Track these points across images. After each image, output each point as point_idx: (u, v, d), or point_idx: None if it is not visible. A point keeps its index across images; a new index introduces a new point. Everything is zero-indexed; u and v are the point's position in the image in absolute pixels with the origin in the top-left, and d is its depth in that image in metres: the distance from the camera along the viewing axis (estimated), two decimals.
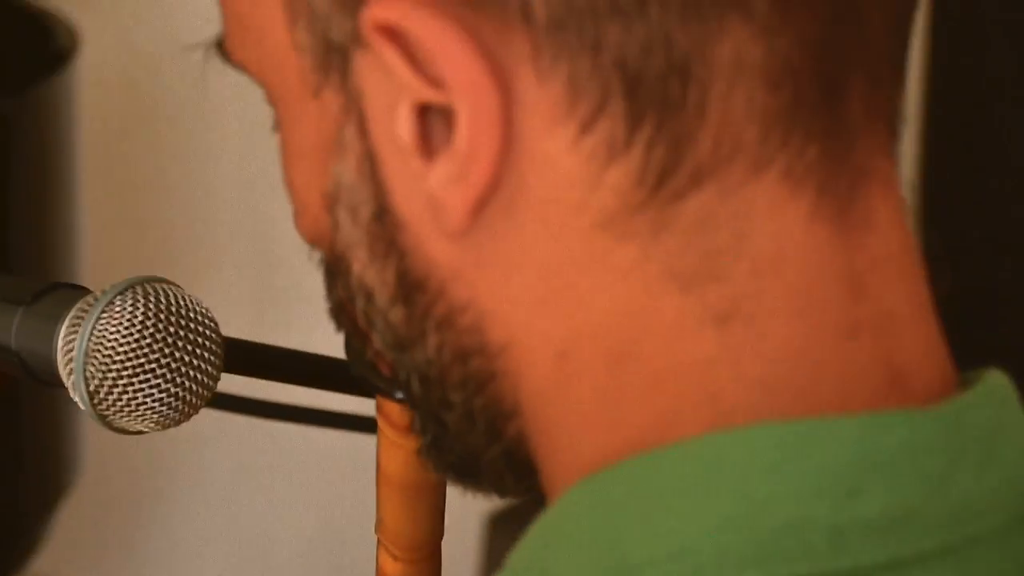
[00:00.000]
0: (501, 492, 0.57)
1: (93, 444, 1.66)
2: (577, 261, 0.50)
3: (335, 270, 0.56)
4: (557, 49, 0.47)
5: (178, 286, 0.70)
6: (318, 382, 0.78)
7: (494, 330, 0.52)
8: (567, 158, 0.48)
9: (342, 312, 0.58)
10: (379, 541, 0.72)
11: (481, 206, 0.49)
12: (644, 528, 0.48)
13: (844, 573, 0.47)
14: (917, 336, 0.51)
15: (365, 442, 0.81)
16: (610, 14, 0.46)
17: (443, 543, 0.75)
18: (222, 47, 0.56)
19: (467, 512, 0.84)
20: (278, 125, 0.56)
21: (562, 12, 0.46)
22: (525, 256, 0.50)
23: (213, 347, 0.71)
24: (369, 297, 0.54)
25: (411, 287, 0.53)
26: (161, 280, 0.70)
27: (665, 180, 0.48)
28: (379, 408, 0.69)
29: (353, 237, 0.54)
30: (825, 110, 0.48)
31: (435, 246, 0.51)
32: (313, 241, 0.58)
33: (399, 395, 0.62)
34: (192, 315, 0.71)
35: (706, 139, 0.47)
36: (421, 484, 0.70)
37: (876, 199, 0.50)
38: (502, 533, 2.17)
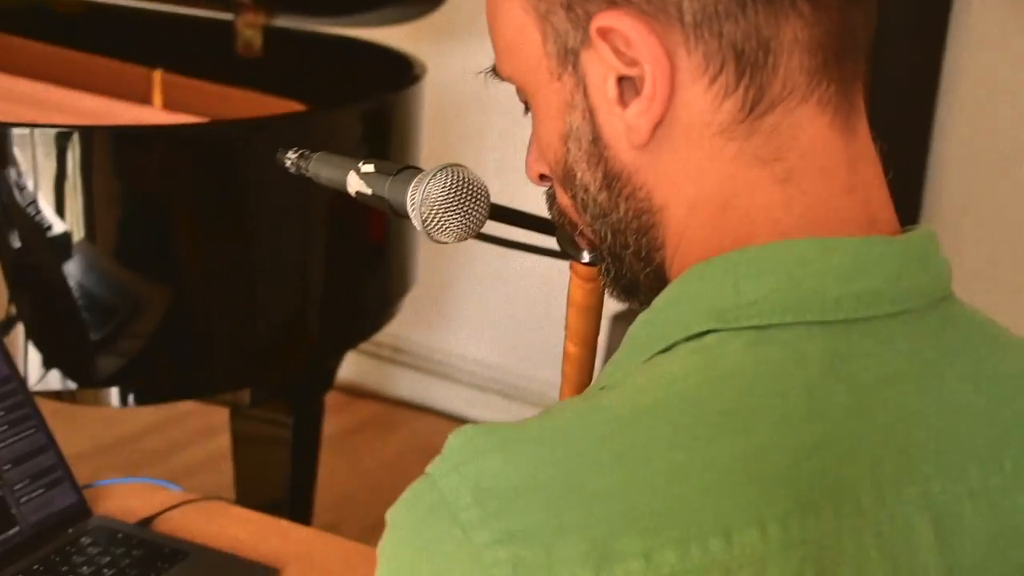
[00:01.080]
0: (648, 303, 0.56)
1: (430, 257, 1.85)
2: (704, 154, 0.51)
3: (564, 182, 0.57)
4: (697, 37, 0.50)
5: (469, 169, 0.73)
6: (539, 230, 0.80)
7: (656, 198, 0.53)
8: (702, 97, 0.50)
9: (560, 214, 0.61)
10: (566, 335, 0.76)
11: (656, 128, 0.51)
12: (732, 288, 0.50)
13: (839, 321, 0.49)
14: (882, 198, 0.53)
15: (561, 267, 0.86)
16: (726, 16, 0.49)
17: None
18: (494, 70, 0.59)
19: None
20: (532, 106, 0.58)
21: (700, 16, 0.49)
22: (676, 154, 0.52)
23: (484, 202, 0.72)
24: (586, 189, 0.55)
25: (611, 179, 0.54)
26: (461, 165, 0.73)
27: (755, 107, 0.50)
28: (572, 266, 0.72)
29: (578, 156, 0.55)
30: (838, 68, 0.51)
31: (625, 155, 0.53)
32: (550, 169, 0.59)
33: (584, 259, 0.67)
34: (475, 184, 0.72)
35: (777, 84, 0.50)
36: (590, 306, 0.73)
37: (858, 119, 0.53)
38: (622, 325, 2.15)
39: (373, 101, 1.60)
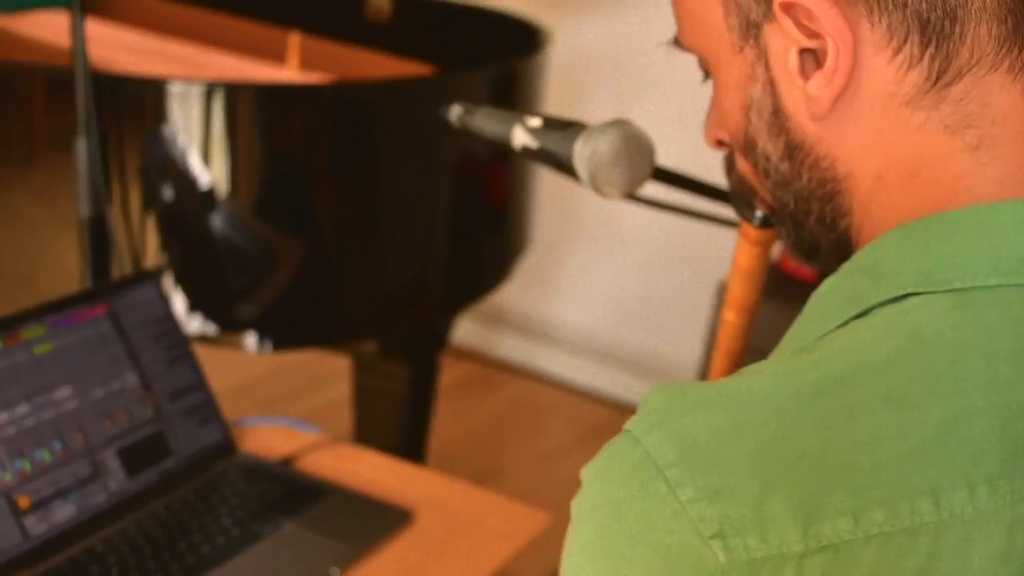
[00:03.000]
0: (828, 268, 0.55)
1: (537, 226, 1.86)
2: (890, 124, 0.50)
3: (744, 151, 0.57)
4: (881, 9, 0.48)
5: (635, 124, 0.72)
6: (707, 195, 0.79)
7: (840, 167, 0.52)
8: (886, 68, 0.49)
9: (739, 181, 0.60)
10: (725, 303, 0.74)
11: (838, 99, 0.50)
12: (933, 251, 0.49)
13: None
14: None
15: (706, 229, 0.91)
16: None
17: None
18: (677, 41, 0.58)
19: None
20: (713, 77, 0.57)
21: None
22: (860, 125, 0.51)
23: (650, 157, 0.72)
24: (767, 158, 0.55)
25: (793, 149, 0.53)
26: (628, 122, 0.72)
27: (941, 77, 0.48)
28: (742, 231, 0.70)
29: (759, 127, 0.54)
30: None
31: (807, 126, 0.52)
32: (729, 137, 0.58)
33: (756, 220, 0.65)
34: (642, 139, 0.72)
35: (964, 53, 0.48)
36: (755, 272, 0.71)
37: None
38: None
39: (502, 66, 1.61)
